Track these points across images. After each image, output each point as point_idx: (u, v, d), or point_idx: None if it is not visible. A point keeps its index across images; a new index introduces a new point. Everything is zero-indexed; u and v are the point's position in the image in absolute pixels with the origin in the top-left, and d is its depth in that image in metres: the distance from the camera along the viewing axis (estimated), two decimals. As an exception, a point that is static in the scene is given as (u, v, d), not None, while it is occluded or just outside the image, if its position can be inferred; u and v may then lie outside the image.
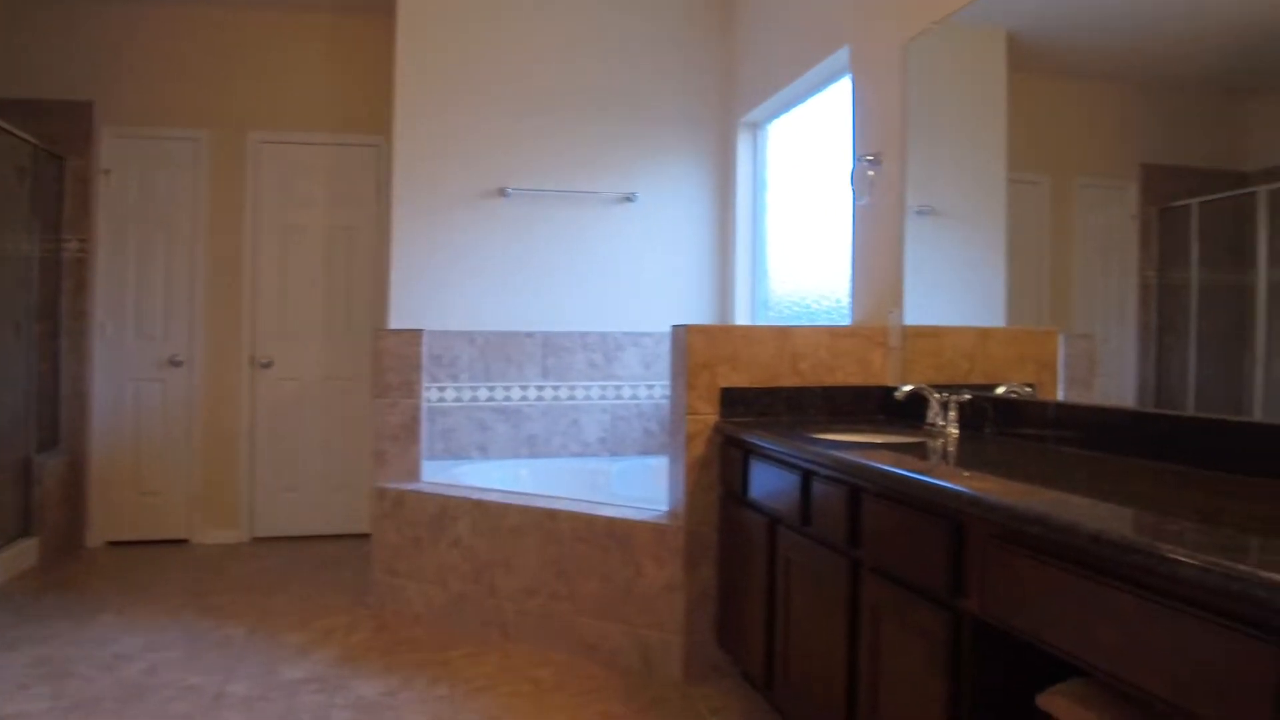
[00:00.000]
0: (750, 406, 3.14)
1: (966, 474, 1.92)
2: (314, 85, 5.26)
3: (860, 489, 2.11)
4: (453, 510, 3.59)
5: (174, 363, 5.11)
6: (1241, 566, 1.08)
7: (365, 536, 5.08)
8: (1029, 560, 1.50)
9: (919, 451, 2.32)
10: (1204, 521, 1.38)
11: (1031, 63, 2.71)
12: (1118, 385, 2.33)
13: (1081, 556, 1.38)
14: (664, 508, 3.28)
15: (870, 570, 2.07)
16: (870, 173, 3.43)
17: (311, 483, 5.23)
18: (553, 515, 3.34)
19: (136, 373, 5.10)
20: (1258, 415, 1.87)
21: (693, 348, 3.08)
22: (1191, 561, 1.14)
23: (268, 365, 5.19)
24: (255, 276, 5.18)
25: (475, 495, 3.57)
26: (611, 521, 3.21)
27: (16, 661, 3.26)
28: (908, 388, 2.79)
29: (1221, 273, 2.04)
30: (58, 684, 3.06)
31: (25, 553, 4.54)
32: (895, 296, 3.23)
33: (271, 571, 4.54)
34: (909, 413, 3.01)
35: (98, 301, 5.05)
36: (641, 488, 4.41)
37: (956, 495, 1.68)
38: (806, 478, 2.40)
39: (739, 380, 3.12)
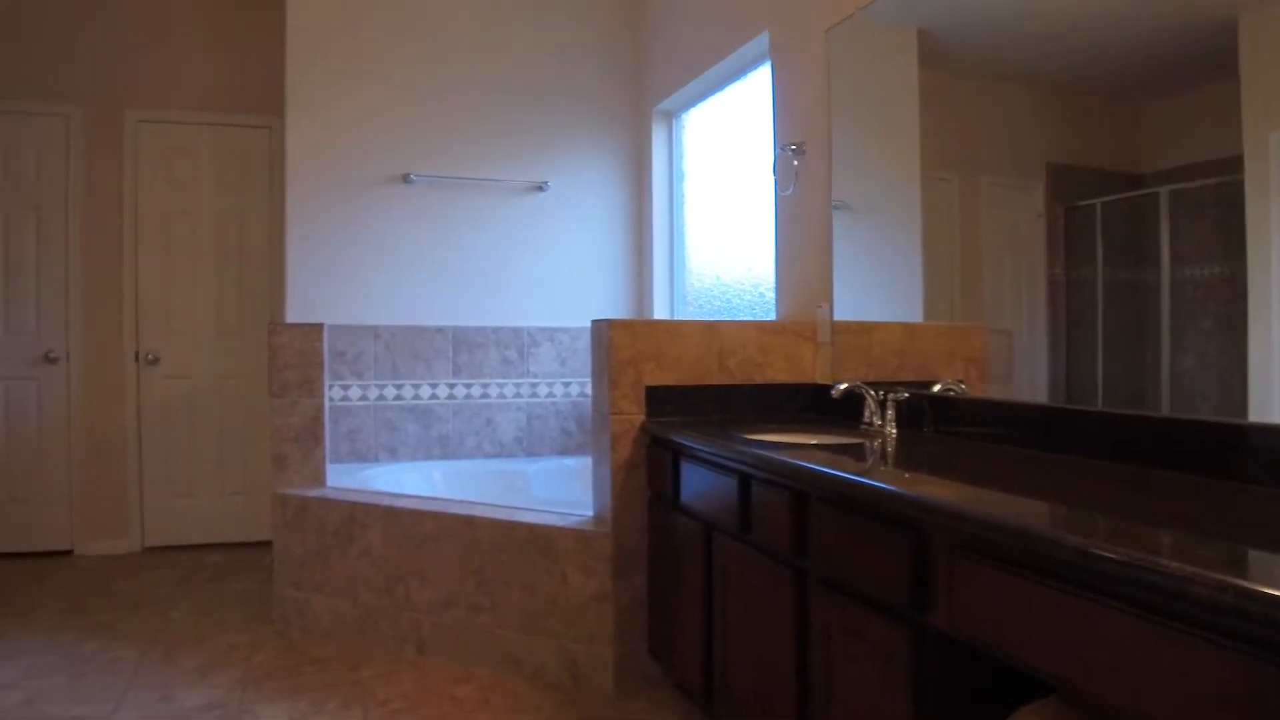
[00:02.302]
0: (677, 405, 3.02)
1: (923, 478, 1.84)
2: (201, 60, 4.91)
3: (805, 495, 2.01)
4: (361, 518, 3.37)
5: (49, 359, 4.72)
6: (1263, 589, 1.00)
7: (267, 545, 4.80)
8: (1003, 573, 1.41)
9: (860, 453, 2.24)
10: (1191, 531, 1.31)
11: (942, 60, 2.68)
12: (1030, 380, 2.32)
13: (1066, 571, 1.30)
14: (588, 513, 3.14)
15: (820, 582, 1.97)
16: (795, 162, 3.34)
17: (207, 488, 4.91)
18: (470, 522, 3.16)
19: (6, 370, 4.69)
20: (1165, 410, 1.89)
21: (615, 344, 2.95)
22: (1203, 581, 1.06)
23: (154, 362, 4.84)
24: (137, 266, 4.82)
25: (386, 501, 3.36)
26: (533, 528, 3.05)
27: None
28: (844, 385, 2.71)
29: (1125, 270, 2.05)
30: (-82, 723, 2.75)
31: (-121, 572, 4.13)
32: (824, 290, 3.16)
33: (165, 584, 4.22)
34: (842, 411, 2.93)
35: (-40, 295, 4.63)
36: (561, 489, 4.26)
37: (920, 503, 1.59)
38: (744, 482, 2.29)
39: (665, 378, 3.00)
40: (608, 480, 2.97)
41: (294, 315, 4.19)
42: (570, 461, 4.43)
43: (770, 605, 2.18)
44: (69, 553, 4.75)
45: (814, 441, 2.55)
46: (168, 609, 3.85)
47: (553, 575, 3.02)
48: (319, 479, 3.61)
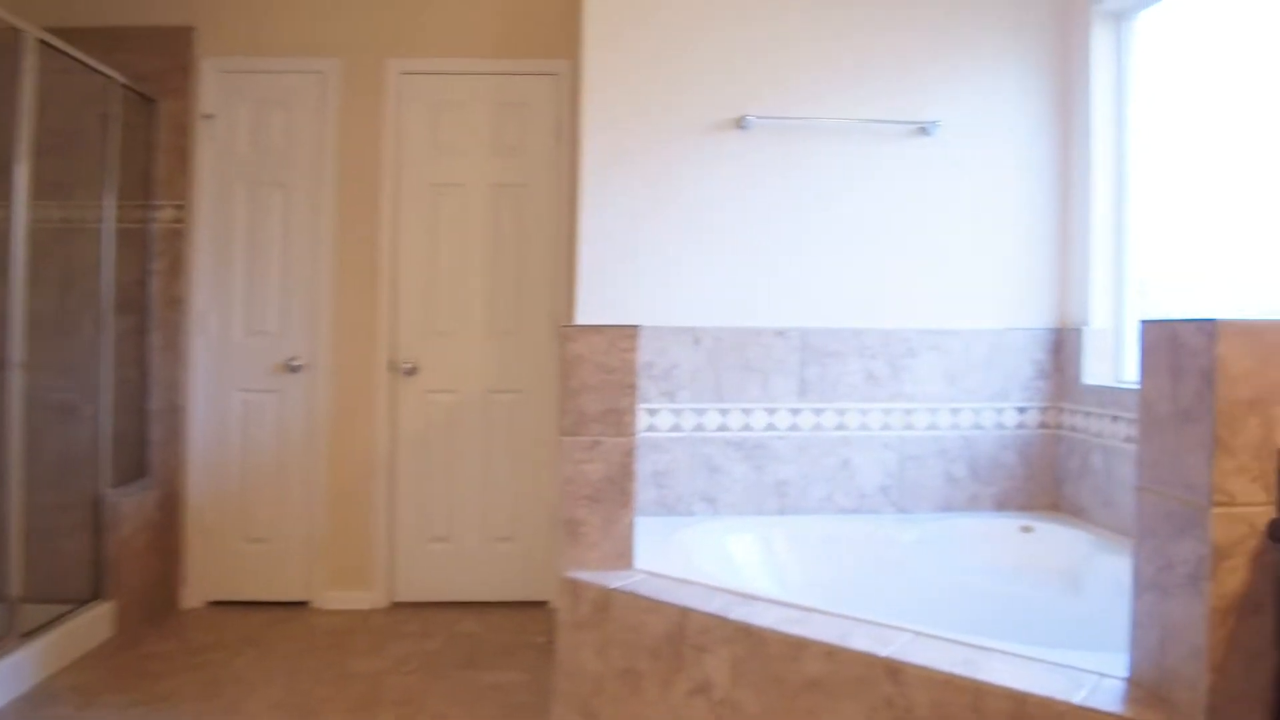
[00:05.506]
0: (1333, 488, 1.53)
1: None
2: (474, -7, 3.93)
3: None
4: (696, 635, 2.11)
5: (292, 367, 3.86)
6: None
7: (538, 607, 3.73)
8: None
9: None
10: None
11: None
12: None
13: None
14: (1112, 669, 1.71)
15: None
16: None
17: (468, 531, 3.88)
18: (895, 671, 1.81)
19: (245, 381, 3.87)
20: None
21: (1227, 365, 1.49)
22: None
23: (411, 372, 3.88)
24: (396, 252, 3.88)
25: (738, 613, 2.07)
26: (1020, 699, 1.65)
27: None
28: None
29: None
30: None
31: (95, 623, 3.36)
32: None
33: (409, 666, 3.19)
34: None
35: (197, 286, 3.85)
36: (950, 568, 2.84)
37: None
38: None
39: (1313, 434, 1.52)
40: (1198, 626, 1.52)
41: (586, 312, 3.04)
42: (963, 522, 3.00)
43: None
44: (305, 604, 3.86)
45: None
46: (411, 715, 2.79)
47: (1066, 796, 1.62)
48: (625, 558, 2.40)
